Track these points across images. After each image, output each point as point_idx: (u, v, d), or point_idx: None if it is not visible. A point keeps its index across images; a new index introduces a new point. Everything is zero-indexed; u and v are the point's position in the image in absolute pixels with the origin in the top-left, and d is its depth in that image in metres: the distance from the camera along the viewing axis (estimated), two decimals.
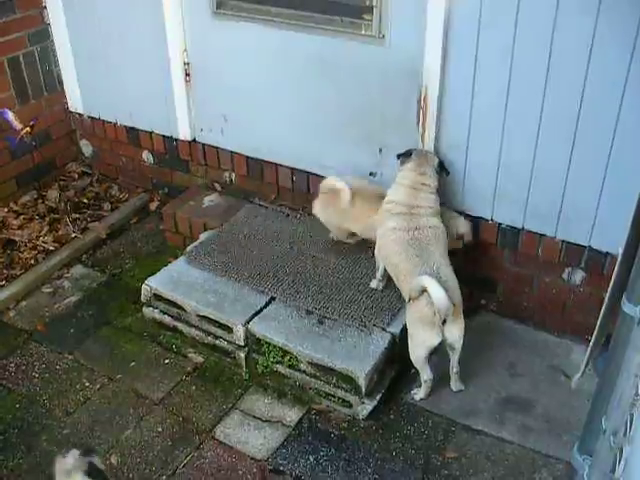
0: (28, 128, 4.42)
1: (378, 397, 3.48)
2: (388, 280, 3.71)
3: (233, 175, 4.74)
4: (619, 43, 3.05)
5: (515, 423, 3.28)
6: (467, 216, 3.85)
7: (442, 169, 3.70)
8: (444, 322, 3.17)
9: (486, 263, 3.79)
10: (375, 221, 3.70)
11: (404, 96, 3.78)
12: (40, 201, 5.04)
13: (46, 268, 4.48)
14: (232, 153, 4.65)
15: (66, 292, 4.37)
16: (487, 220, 3.83)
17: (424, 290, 3.16)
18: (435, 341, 3.26)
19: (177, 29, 4.37)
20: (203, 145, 4.76)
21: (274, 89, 4.25)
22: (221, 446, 3.34)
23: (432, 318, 3.17)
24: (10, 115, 4.41)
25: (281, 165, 4.47)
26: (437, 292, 3.09)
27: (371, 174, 3.96)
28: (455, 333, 3.28)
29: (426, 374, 3.44)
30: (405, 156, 3.69)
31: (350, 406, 3.46)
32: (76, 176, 5.36)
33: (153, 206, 5.17)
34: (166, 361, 3.83)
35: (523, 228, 3.73)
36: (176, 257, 4.28)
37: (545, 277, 3.78)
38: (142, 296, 4.05)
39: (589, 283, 3.70)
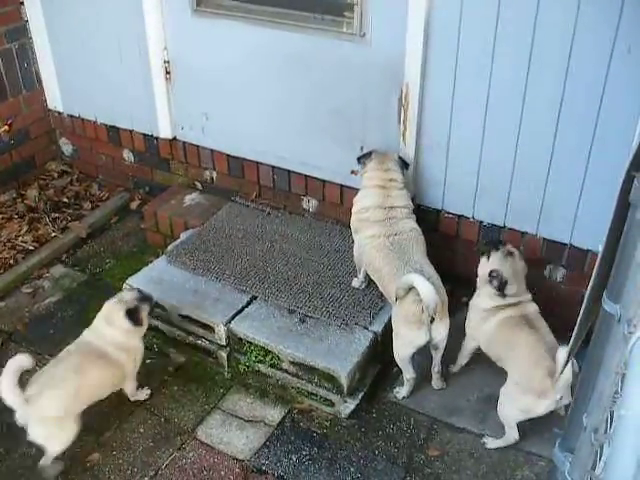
0: (6, 127, 4.38)
1: (360, 396, 3.47)
2: (369, 279, 3.71)
3: (214, 173, 4.72)
4: (599, 40, 3.07)
5: (497, 421, 3.28)
6: (449, 213, 3.86)
7: (402, 163, 3.73)
8: (432, 321, 3.17)
9: (467, 261, 3.78)
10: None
11: (385, 94, 3.78)
12: (19, 200, 4.99)
13: (26, 268, 4.44)
14: (213, 151, 4.63)
15: (46, 292, 4.34)
16: (468, 218, 3.84)
17: (411, 288, 3.16)
18: (422, 340, 3.26)
19: (157, 26, 4.35)
20: (184, 143, 4.73)
21: (255, 87, 4.23)
22: (203, 446, 3.32)
23: (419, 317, 3.16)
24: None
25: (262, 163, 4.46)
26: (425, 287, 3.09)
27: (352, 172, 3.95)
28: (442, 332, 3.28)
29: (409, 373, 3.44)
30: (365, 157, 3.75)
31: (332, 405, 3.46)
32: (56, 175, 5.33)
33: (134, 205, 5.13)
34: (147, 361, 3.79)
35: (505, 226, 3.75)
36: (157, 256, 4.26)
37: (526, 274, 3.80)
38: None
39: (570, 280, 3.72)
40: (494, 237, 3.71)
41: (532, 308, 3.33)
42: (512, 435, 3.24)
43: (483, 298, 3.40)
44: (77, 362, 3.21)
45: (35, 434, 3.06)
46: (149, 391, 3.58)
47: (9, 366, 2.91)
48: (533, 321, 3.25)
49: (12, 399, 2.93)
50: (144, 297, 3.45)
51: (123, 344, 3.31)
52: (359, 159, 3.78)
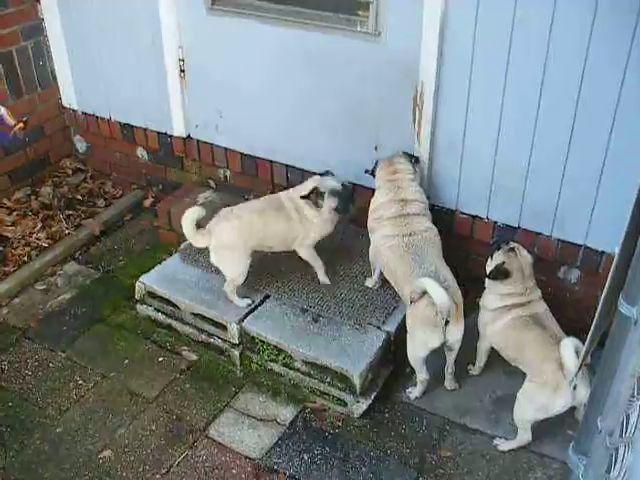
0: (21, 124, 4.37)
1: (373, 396, 3.47)
2: (383, 279, 3.70)
3: (228, 172, 4.72)
4: (616, 39, 3.04)
5: (510, 422, 3.27)
6: (463, 213, 3.84)
7: (409, 156, 3.75)
8: (447, 323, 3.16)
9: (482, 262, 3.77)
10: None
11: (400, 94, 3.76)
12: (33, 197, 5.01)
13: (39, 265, 4.46)
14: (227, 150, 4.63)
15: (59, 289, 4.35)
16: (483, 219, 3.82)
17: (424, 292, 3.14)
18: (437, 342, 3.25)
19: (172, 25, 4.35)
20: (198, 141, 4.73)
21: (269, 86, 4.23)
22: (215, 445, 3.33)
23: (434, 319, 3.15)
24: (3, 111, 4.36)
25: (276, 162, 4.45)
26: (438, 292, 3.08)
27: (366, 172, 3.94)
28: (456, 335, 3.26)
29: (423, 374, 3.43)
30: (374, 167, 3.79)
31: (345, 405, 3.45)
32: (70, 172, 5.34)
33: (147, 203, 5.15)
34: (160, 359, 3.81)
35: (519, 227, 3.73)
36: (170, 254, 4.27)
37: (541, 275, 3.76)
38: (136, 293, 4.03)
39: (585, 282, 3.70)
40: (508, 238, 3.69)
41: (542, 307, 3.31)
42: (525, 437, 3.22)
43: (490, 298, 3.39)
44: (260, 206, 3.74)
45: (212, 259, 3.68)
46: (325, 278, 3.89)
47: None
48: (542, 320, 3.23)
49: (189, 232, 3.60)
50: (333, 190, 3.66)
51: (303, 212, 3.68)
52: (371, 173, 3.80)
